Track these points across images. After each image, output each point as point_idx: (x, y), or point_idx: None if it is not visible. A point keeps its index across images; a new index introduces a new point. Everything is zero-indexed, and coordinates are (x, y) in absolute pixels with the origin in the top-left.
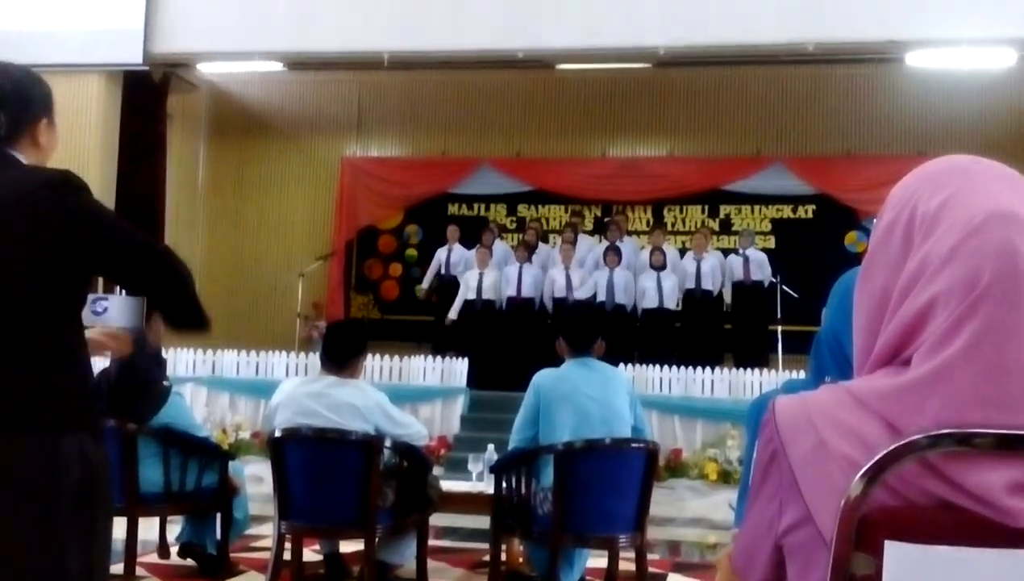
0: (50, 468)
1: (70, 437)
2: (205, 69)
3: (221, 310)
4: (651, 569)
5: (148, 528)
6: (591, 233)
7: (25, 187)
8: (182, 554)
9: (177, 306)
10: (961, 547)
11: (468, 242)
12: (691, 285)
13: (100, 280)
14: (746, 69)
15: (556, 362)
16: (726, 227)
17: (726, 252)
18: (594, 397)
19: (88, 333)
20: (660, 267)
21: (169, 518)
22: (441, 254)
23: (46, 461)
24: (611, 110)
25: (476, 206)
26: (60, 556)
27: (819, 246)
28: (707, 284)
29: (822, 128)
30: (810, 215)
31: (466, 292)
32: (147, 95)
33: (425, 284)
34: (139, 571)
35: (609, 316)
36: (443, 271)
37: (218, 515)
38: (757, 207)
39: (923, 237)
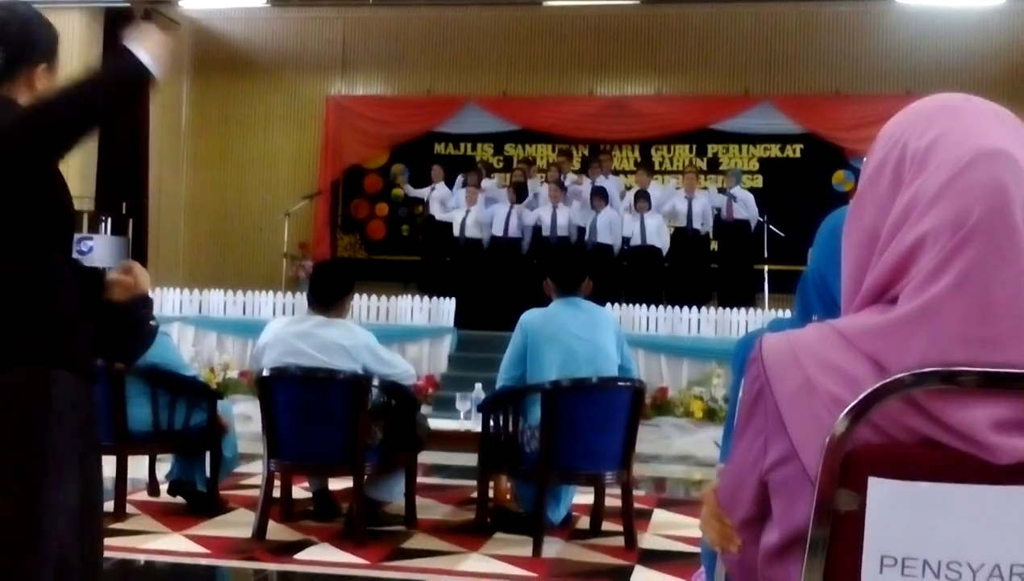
0: (23, 402)
1: (55, 371)
2: (187, 5)
3: (207, 250)
4: (637, 505)
5: (137, 467)
6: (577, 172)
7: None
8: (172, 492)
9: (66, 145)
10: (944, 483)
11: (454, 182)
12: (682, 224)
13: (84, 219)
14: (736, 6)
15: (543, 302)
16: (714, 166)
17: (712, 192)
18: (581, 336)
19: (109, 277)
20: (644, 211)
21: (158, 457)
22: (427, 194)
23: (19, 394)
24: (599, 48)
25: (463, 145)
26: (44, 489)
27: (806, 185)
28: (698, 224)
29: (811, 66)
30: (798, 154)
31: (453, 227)
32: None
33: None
34: (129, 509)
35: (593, 255)
36: (428, 211)
37: (207, 453)
38: (745, 146)
39: (913, 175)
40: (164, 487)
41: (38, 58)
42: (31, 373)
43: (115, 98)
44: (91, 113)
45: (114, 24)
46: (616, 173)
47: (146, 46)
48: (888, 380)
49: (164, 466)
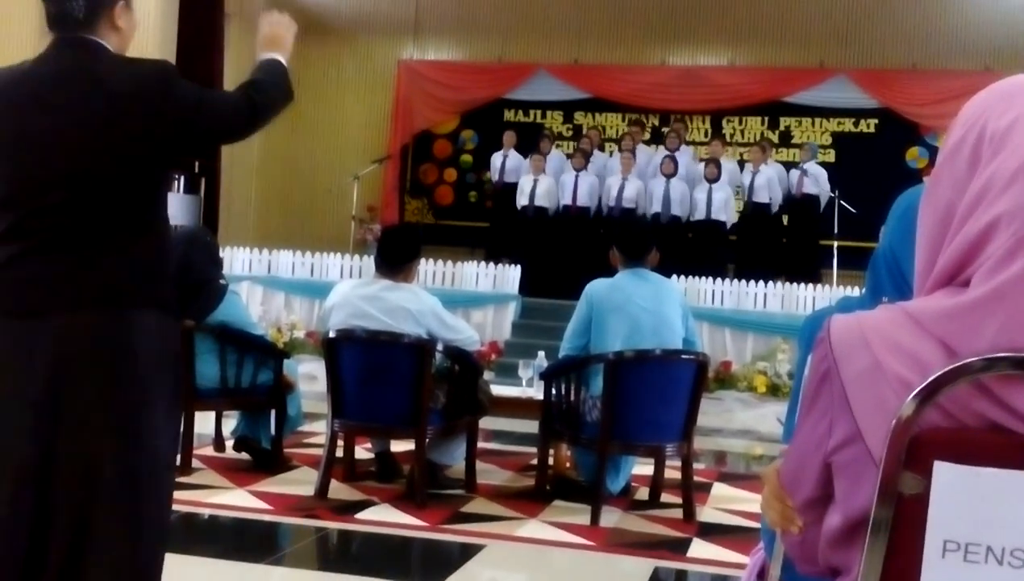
0: (127, 341)
1: (147, 313)
2: None
3: (277, 211)
4: (696, 478)
5: (204, 422)
6: (648, 143)
7: (128, 78)
8: (238, 448)
9: (267, 117)
10: (1011, 469)
11: (524, 149)
12: (745, 197)
13: None
14: None
15: (609, 271)
16: (785, 139)
17: (787, 165)
18: (646, 308)
19: (261, 30)
20: (713, 180)
21: (224, 413)
22: (496, 160)
23: (123, 334)
24: (672, 17)
25: (532, 113)
26: (148, 418)
27: (880, 161)
28: (760, 197)
29: (888, 40)
30: (872, 129)
31: (520, 198)
32: None
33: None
34: (195, 463)
35: (663, 228)
36: (498, 177)
37: (272, 412)
38: (818, 120)
39: (991, 156)
40: (229, 443)
41: None
42: (157, 316)
43: (287, 83)
44: (287, 95)
45: None
46: (688, 144)
47: (276, 49)
48: (957, 364)
49: (230, 422)
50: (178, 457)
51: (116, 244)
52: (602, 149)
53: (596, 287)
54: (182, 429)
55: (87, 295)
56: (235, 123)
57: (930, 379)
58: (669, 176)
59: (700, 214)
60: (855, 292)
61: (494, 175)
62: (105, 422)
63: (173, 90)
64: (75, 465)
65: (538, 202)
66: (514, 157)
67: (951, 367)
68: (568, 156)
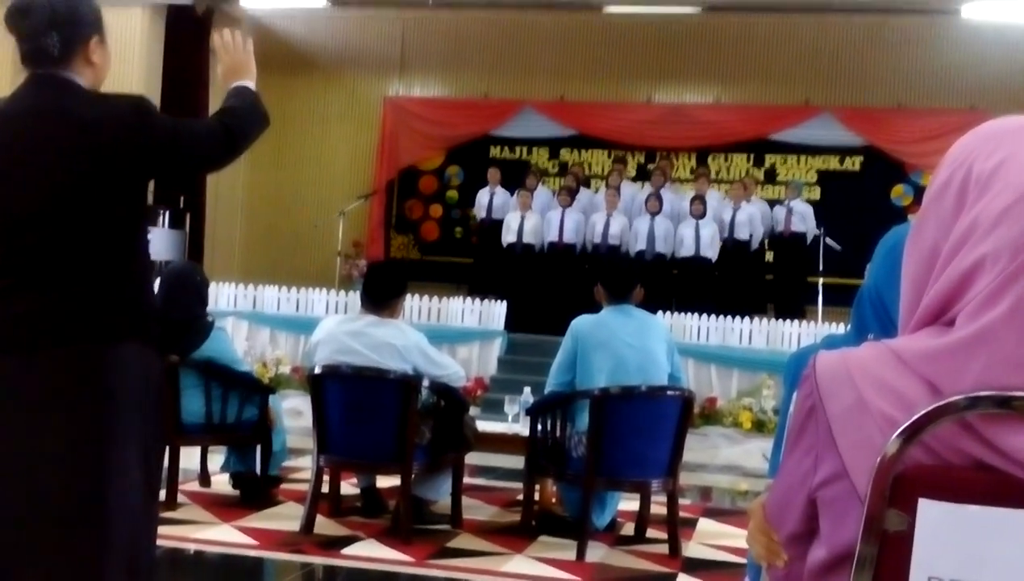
0: (107, 376)
1: (128, 346)
2: (248, 4)
3: (262, 246)
4: (682, 513)
5: (189, 458)
6: (634, 179)
7: (102, 113)
8: (234, 484)
9: (245, 143)
10: (995, 508)
11: (509, 185)
12: (726, 234)
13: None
14: (798, 16)
15: (594, 307)
16: (771, 177)
17: (772, 202)
18: (631, 344)
19: (221, 60)
20: (699, 216)
21: (210, 448)
22: (483, 197)
23: (106, 369)
24: (658, 55)
25: (518, 149)
26: (119, 461)
27: (865, 199)
28: (741, 233)
29: (873, 79)
30: (857, 167)
31: (507, 234)
32: (190, 30)
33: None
34: (181, 498)
35: (648, 264)
36: (484, 214)
37: (258, 447)
38: (803, 157)
39: (976, 197)
40: (215, 478)
41: (89, 32)
42: (139, 349)
43: (261, 107)
44: (263, 119)
45: (176, 21)
46: (673, 180)
47: (241, 76)
48: (942, 402)
49: (215, 458)
50: (163, 490)
51: (98, 279)
52: (588, 185)
53: (581, 323)
54: (167, 464)
55: (70, 331)
56: (213, 151)
57: (915, 417)
58: (654, 214)
59: (688, 250)
60: (840, 329)
61: (480, 212)
62: (77, 455)
63: (148, 123)
64: (19, 491)
65: (525, 239)
66: (501, 194)
67: (935, 405)
68: (554, 193)
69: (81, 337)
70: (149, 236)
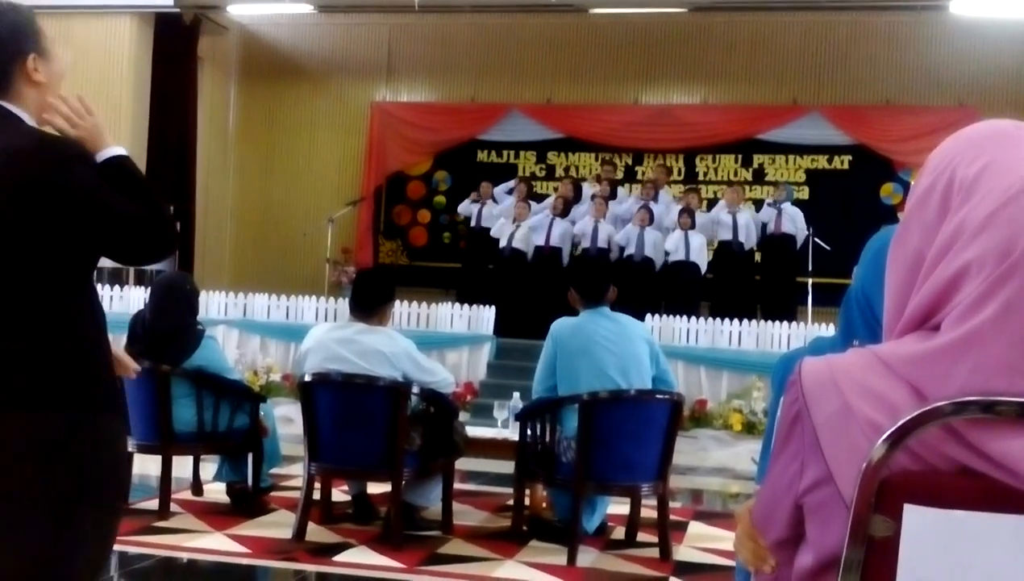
0: (50, 447)
1: (70, 415)
2: (235, 11)
3: (252, 253)
4: (673, 517)
5: (181, 467)
6: (621, 182)
7: (16, 153)
8: (231, 494)
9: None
10: (981, 512)
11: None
12: (727, 237)
13: None
14: (785, 15)
15: (575, 311)
16: (759, 177)
17: (758, 203)
18: (610, 347)
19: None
20: (688, 229)
21: (202, 457)
22: (472, 208)
23: (51, 438)
24: (645, 56)
25: (505, 153)
26: (70, 525)
27: (854, 198)
28: (742, 237)
29: (861, 77)
30: (846, 166)
31: (500, 240)
32: (178, 38)
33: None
34: (173, 507)
35: (637, 267)
36: (474, 223)
37: (250, 455)
38: (792, 157)
39: (960, 202)
40: (207, 487)
41: (24, 49)
42: (89, 418)
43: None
44: (160, 205)
45: (164, 30)
46: (664, 185)
47: (102, 142)
48: (927, 408)
49: (207, 466)
50: (155, 500)
51: (41, 341)
52: (578, 195)
53: (560, 327)
54: (160, 473)
55: (10, 397)
56: (135, 230)
57: (900, 423)
58: (643, 225)
59: (678, 256)
60: (830, 329)
61: (472, 219)
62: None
63: (70, 169)
64: None
65: (515, 245)
66: (491, 205)
67: (921, 411)
68: (547, 206)
69: (26, 403)
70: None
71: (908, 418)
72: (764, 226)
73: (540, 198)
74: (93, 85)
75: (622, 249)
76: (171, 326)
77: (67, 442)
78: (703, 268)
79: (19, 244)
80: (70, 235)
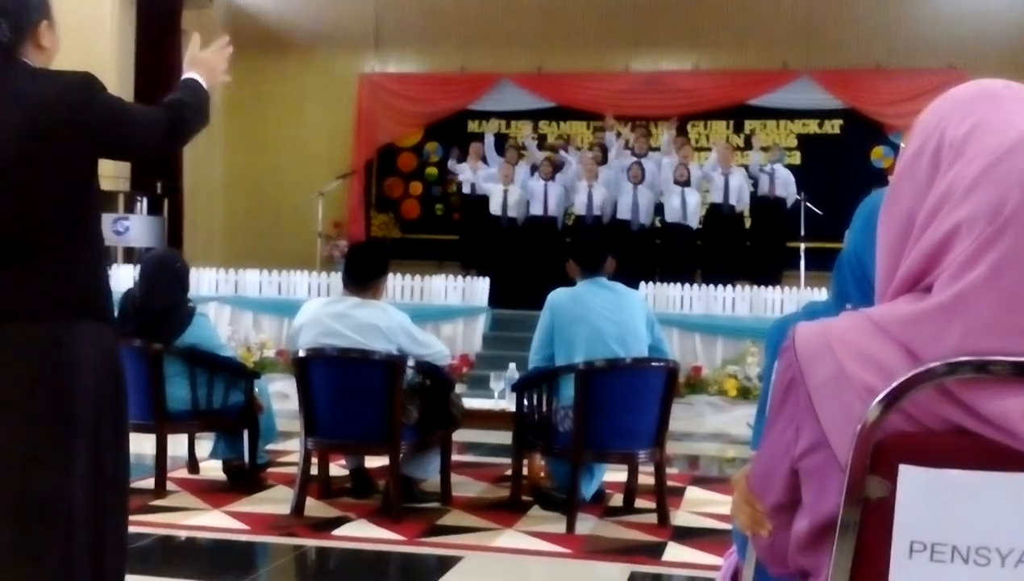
0: (63, 353)
1: (84, 325)
2: None
3: (242, 229)
4: (670, 483)
5: (177, 445)
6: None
7: (48, 89)
8: (227, 472)
9: (183, 139)
10: (975, 471)
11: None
12: (718, 199)
13: (120, 199)
14: None
15: (574, 281)
16: (750, 142)
17: (749, 168)
18: (608, 316)
19: (191, 49)
20: (684, 183)
21: (197, 435)
22: (465, 172)
23: (60, 346)
24: (635, 23)
25: (496, 123)
26: (70, 452)
27: (845, 161)
28: (734, 200)
29: (851, 40)
30: (837, 130)
31: (493, 207)
32: (161, 11)
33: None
34: (169, 486)
35: (633, 234)
36: (467, 189)
37: (245, 432)
38: (783, 122)
39: (950, 163)
40: (204, 465)
41: (38, 16)
42: (96, 327)
43: (207, 107)
44: (204, 119)
45: (147, 3)
46: (654, 149)
47: (200, 70)
48: (921, 369)
49: (203, 444)
50: (152, 478)
51: (49, 258)
52: (569, 159)
53: (557, 297)
54: (155, 452)
55: (22, 309)
56: (151, 139)
57: (894, 384)
58: (636, 183)
59: (675, 216)
60: (823, 294)
61: (465, 186)
62: (28, 434)
63: (92, 100)
64: None
65: (509, 213)
66: (483, 169)
67: (914, 372)
68: (534, 167)
69: (35, 315)
70: (128, 223)
71: (902, 380)
72: (755, 186)
73: (532, 169)
74: (76, 59)
75: (615, 207)
76: (162, 304)
77: (76, 348)
78: (694, 228)
79: (44, 173)
80: (97, 147)
